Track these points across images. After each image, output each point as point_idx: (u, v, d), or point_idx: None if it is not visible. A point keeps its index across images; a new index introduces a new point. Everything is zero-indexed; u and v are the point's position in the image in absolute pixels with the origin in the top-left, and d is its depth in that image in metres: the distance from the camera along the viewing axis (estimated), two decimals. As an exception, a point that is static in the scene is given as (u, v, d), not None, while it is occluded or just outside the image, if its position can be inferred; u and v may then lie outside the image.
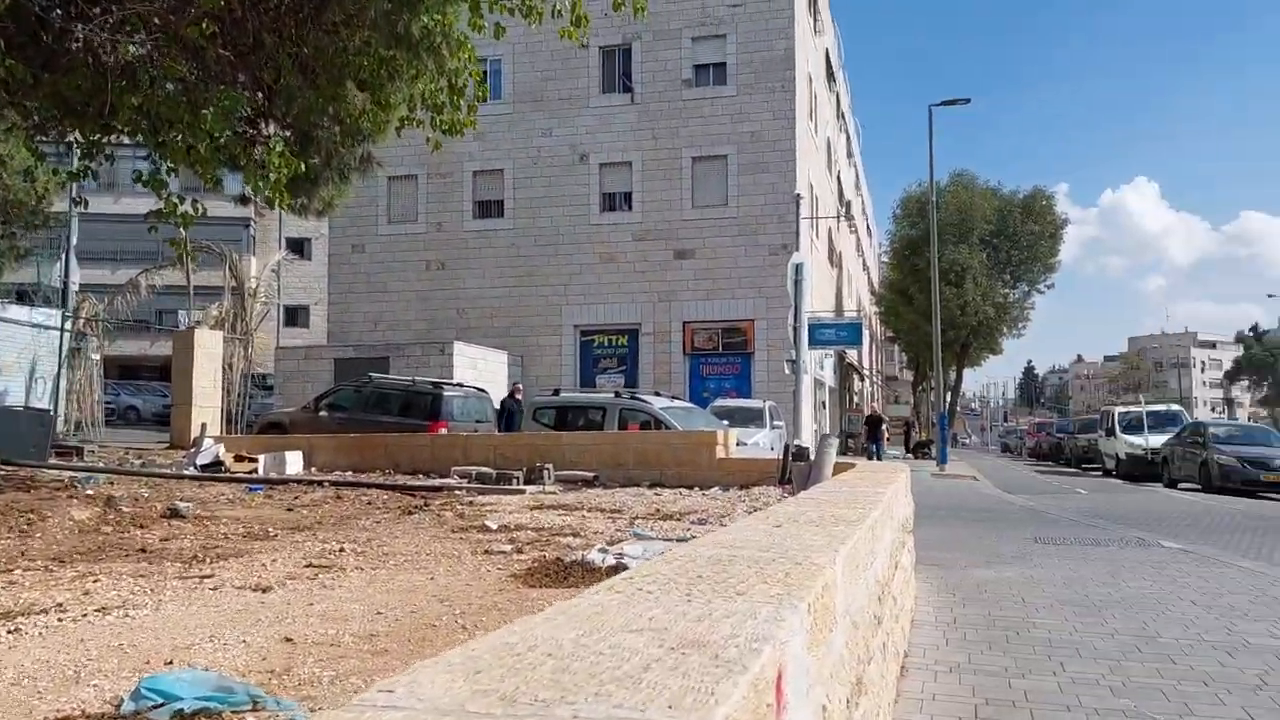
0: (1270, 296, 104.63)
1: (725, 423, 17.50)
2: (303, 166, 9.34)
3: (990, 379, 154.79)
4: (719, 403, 20.79)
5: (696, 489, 11.38)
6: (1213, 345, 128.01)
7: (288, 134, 10.74)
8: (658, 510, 9.41)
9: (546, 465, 11.91)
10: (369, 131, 12.25)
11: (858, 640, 2.65)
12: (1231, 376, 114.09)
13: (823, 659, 1.87)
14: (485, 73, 27.56)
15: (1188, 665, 5.55)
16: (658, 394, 14.73)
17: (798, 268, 12.14)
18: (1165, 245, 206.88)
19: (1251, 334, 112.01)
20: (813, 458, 8.39)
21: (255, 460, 13.69)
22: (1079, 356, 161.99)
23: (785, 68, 25.74)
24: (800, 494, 5.20)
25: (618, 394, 14.19)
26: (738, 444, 11.78)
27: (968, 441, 74.85)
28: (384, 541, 7.60)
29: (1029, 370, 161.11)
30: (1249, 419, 75.07)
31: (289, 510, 9.59)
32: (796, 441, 12.83)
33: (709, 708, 0.97)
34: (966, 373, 49.20)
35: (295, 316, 51.74)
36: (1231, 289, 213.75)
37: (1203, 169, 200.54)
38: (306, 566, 6.21)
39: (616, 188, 26.75)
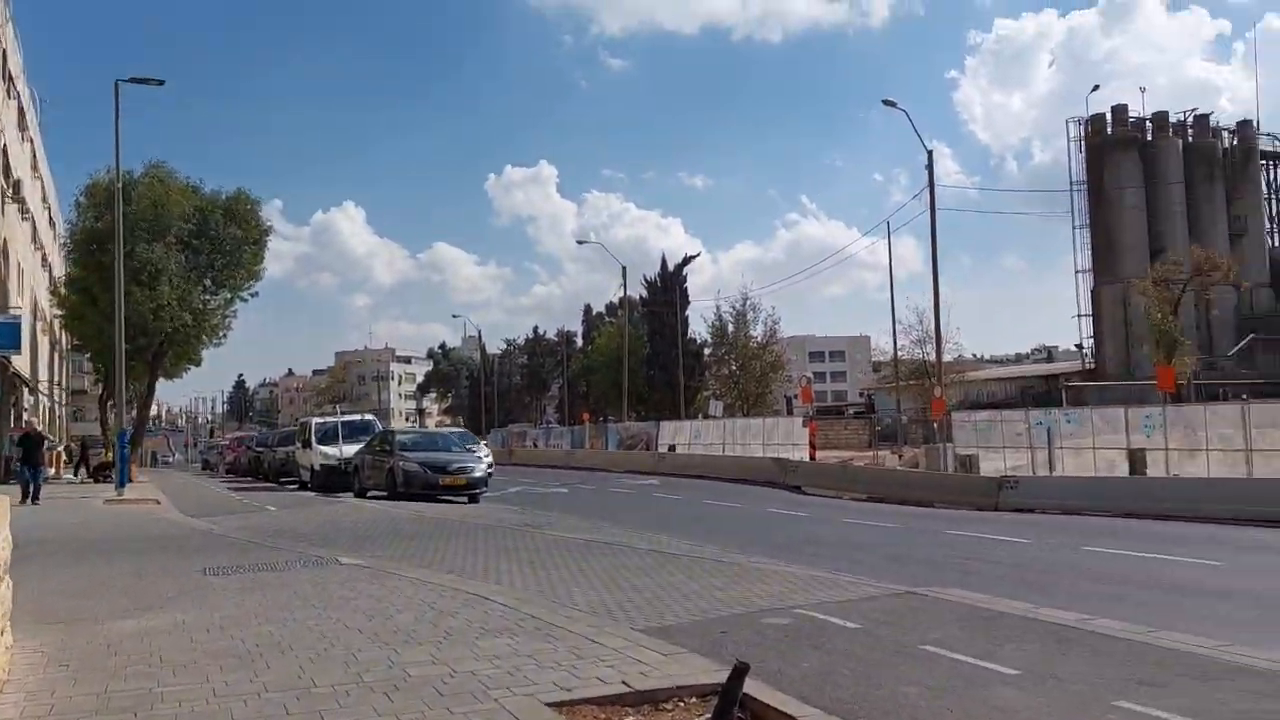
0: (455, 317, 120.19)
1: None
2: None
3: (200, 393, 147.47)
4: None
5: None
6: (409, 360, 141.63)
7: None
8: None
9: None
10: None
11: None
12: (424, 389, 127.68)
13: None
14: None
15: (340, 723, 4.60)
16: None
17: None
18: (371, 266, 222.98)
19: (440, 350, 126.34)
20: None
21: None
22: (290, 370, 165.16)
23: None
24: None
25: None
26: None
27: (169, 460, 69.51)
28: None
29: (240, 383, 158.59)
30: (436, 426, 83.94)
31: None
32: None
33: None
34: (173, 386, 45.59)
35: None
36: (425, 310, 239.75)
37: (402, 201, 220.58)
38: None
39: None
